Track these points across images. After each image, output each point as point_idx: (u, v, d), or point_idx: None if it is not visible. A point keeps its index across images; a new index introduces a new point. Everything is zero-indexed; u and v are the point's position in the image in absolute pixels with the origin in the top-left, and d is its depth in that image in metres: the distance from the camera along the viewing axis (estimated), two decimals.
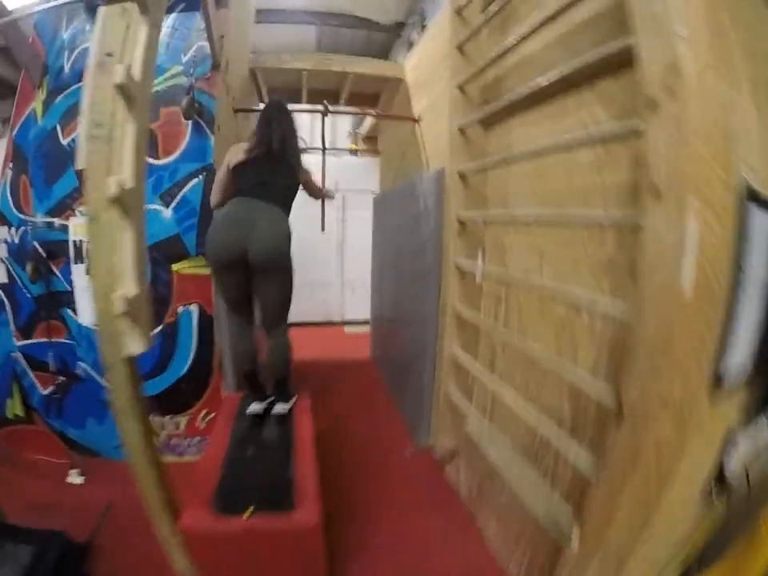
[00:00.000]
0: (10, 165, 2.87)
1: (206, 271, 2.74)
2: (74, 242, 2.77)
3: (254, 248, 2.14)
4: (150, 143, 2.70)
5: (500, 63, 2.15)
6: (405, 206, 3.39)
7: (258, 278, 2.24)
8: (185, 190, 2.78)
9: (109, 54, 1.38)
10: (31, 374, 2.89)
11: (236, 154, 2.36)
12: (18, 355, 2.88)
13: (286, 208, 2.37)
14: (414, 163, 3.39)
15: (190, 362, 2.83)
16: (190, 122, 2.75)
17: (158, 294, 2.78)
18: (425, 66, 3.28)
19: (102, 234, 1.35)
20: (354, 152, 7.24)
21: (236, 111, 3.26)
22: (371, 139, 6.48)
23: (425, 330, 2.95)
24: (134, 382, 1.45)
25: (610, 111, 1.49)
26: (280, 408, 2.45)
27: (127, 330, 1.37)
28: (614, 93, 1.47)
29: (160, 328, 2.80)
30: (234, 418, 2.46)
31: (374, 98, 4.75)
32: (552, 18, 1.65)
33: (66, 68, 2.89)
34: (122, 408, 1.46)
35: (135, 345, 1.39)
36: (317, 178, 2.74)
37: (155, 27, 1.47)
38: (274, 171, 2.32)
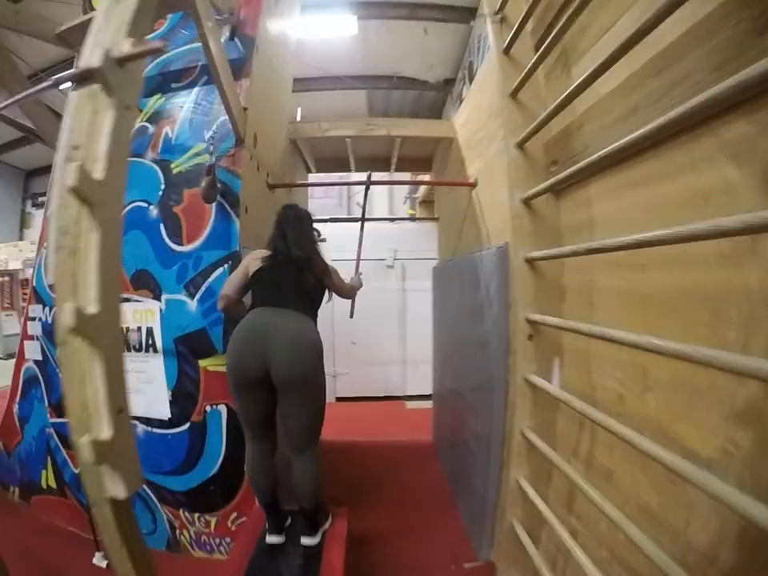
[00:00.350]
0: (45, 243, 2.82)
1: None
2: None
3: (276, 363, 1.89)
4: (173, 228, 2.58)
5: (568, 111, 1.71)
6: (464, 284, 2.95)
7: (283, 397, 1.97)
8: (209, 279, 2.50)
9: (75, 147, 1.11)
10: (64, 451, 2.83)
11: (254, 260, 2.22)
12: (52, 431, 2.86)
13: (312, 314, 2.17)
14: (472, 234, 2.95)
15: (219, 463, 2.55)
16: (213, 205, 2.51)
17: (185, 390, 2.54)
18: (475, 121, 2.90)
19: (71, 362, 1.04)
20: (412, 218, 6.96)
21: (271, 187, 3.00)
22: (428, 204, 6.19)
23: (486, 452, 2.42)
24: (122, 521, 1.11)
25: (745, 169, 0.99)
26: (307, 540, 2.14)
27: (107, 473, 1.04)
28: (753, 140, 0.97)
29: (188, 426, 2.56)
30: (258, 538, 2.19)
31: (427, 160, 4.46)
32: (635, 40, 1.19)
33: None
34: (111, 545, 1.14)
35: (118, 489, 1.05)
36: (343, 276, 2.50)
37: (126, 110, 1.17)
38: (295, 278, 2.16)
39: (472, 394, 2.81)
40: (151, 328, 2.61)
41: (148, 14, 1.28)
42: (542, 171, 2.02)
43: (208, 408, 2.53)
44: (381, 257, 6.29)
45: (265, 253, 2.24)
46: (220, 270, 2.48)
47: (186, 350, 2.54)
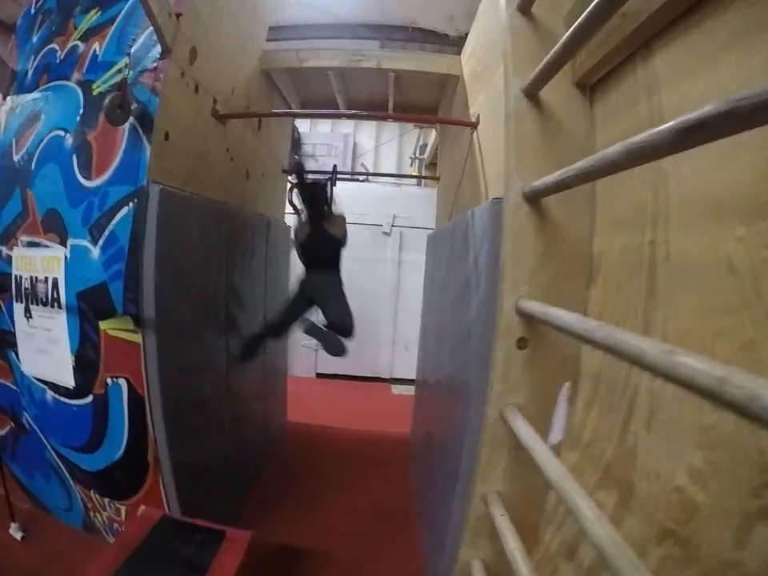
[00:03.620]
0: None
1: (136, 338, 1.97)
2: (16, 276, 2.28)
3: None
4: (85, 159, 2.06)
5: None
6: (453, 255, 2.34)
7: None
8: (113, 222, 1.94)
9: None
10: None
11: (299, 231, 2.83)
12: None
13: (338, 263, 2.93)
14: (469, 190, 2.33)
15: (123, 447, 2.17)
16: (125, 130, 1.95)
17: (87, 356, 2.12)
18: (481, 48, 2.26)
19: None
20: (418, 181, 6.33)
21: (220, 117, 2.42)
22: (435, 167, 5.54)
23: (455, 466, 1.84)
24: None
25: None
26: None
27: None
28: None
29: (91, 398, 2.17)
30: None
31: (432, 109, 3.81)
32: None
33: (30, 73, 2.43)
34: None
35: None
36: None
37: None
38: (324, 243, 2.81)
39: (447, 398, 2.26)
40: (56, 279, 2.13)
41: None
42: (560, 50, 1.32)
43: (109, 380, 2.10)
44: (377, 221, 5.68)
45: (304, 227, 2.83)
46: (124, 210, 1.92)
47: (87, 308, 2.06)
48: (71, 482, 2.42)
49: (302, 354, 5.80)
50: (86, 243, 2.01)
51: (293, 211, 5.13)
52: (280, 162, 3.80)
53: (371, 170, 6.57)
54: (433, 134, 5.57)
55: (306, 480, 3.29)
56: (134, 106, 1.94)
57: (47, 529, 2.53)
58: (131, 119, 1.95)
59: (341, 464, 3.57)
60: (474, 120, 2.23)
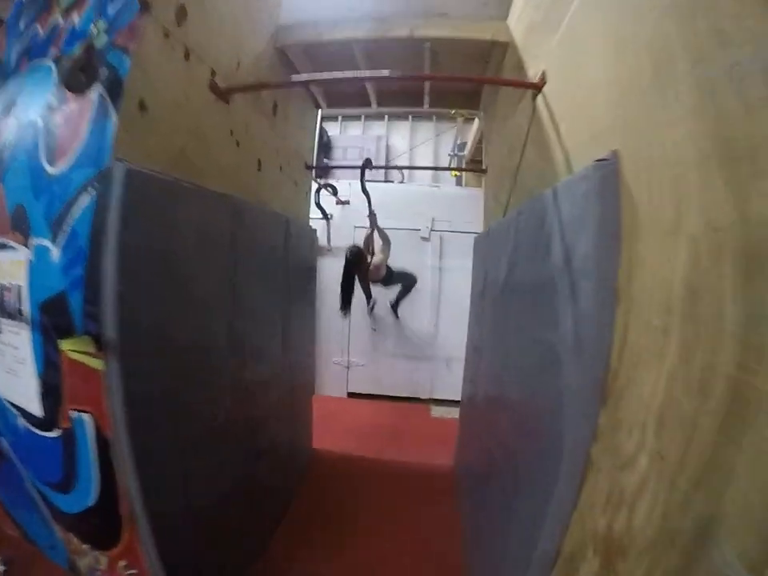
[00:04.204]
0: None
1: (98, 364, 1.48)
2: None
3: None
4: (51, 141, 1.65)
5: None
6: (520, 250, 1.82)
7: None
8: (74, 215, 1.52)
9: None
10: None
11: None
12: None
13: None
14: (535, 171, 1.81)
15: (94, 494, 1.71)
16: (94, 102, 1.53)
17: (52, 383, 1.68)
18: None
19: None
20: (458, 180, 5.83)
21: (221, 94, 1.99)
22: (477, 164, 5.02)
23: (540, 502, 1.30)
24: None
25: None
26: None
27: None
28: None
29: (59, 432, 1.71)
30: None
31: (473, 96, 3.33)
32: None
33: (12, 59, 2.09)
34: None
35: None
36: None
37: None
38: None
39: (520, 425, 1.70)
40: (20, 287, 1.73)
41: None
42: None
43: (73, 414, 1.64)
44: (415, 226, 5.16)
45: None
46: (85, 199, 1.48)
47: (49, 323, 1.62)
48: (51, 519, 2.04)
49: (333, 372, 5.35)
50: (47, 243, 1.59)
51: (321, 216, 4.81)
52: (303, 158, 3.37)
53: (407, 174, 6.12)
54: (473, 129, 5.07)
55: (334, 522, 2.82)
56: (104, 73, 1.54)
57: (33, 564, 2.22)
58: (100, 88, 1.53)
59: (375, 502, 3.08)
60: (537, 80, 1.71)
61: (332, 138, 6.50)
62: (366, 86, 3.15)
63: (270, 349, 2.63)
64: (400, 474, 3.49)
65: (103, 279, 1.43)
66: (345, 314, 3.34)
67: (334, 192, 4.69)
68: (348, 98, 3.50)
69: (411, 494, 3.19)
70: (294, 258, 2.93)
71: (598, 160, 1.06)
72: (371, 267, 3.32)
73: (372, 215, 3.33)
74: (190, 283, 1.81)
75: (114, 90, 1.50)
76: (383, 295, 4.61)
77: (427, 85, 3.07)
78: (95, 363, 1.49)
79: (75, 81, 1.47)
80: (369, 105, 3.41)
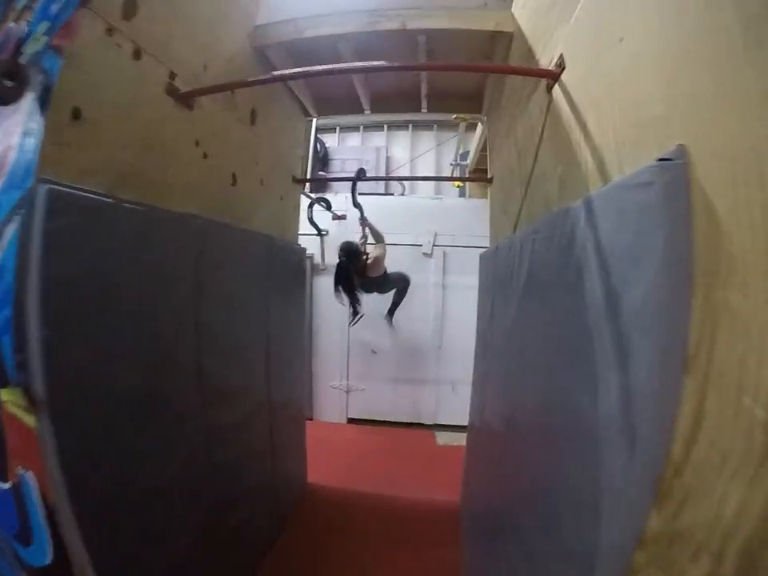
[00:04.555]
0: None
1: (31, 421, 1.19)
2: None
3: None
4: None
5: None
6: (534, 276, 1.50)
7: None
8: (1, 246, 1.23)
9: None
10: None
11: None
12: None
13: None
14: (554, 179, 1.44)
15: (48, 554, 1.43)
16: (28, 113, 1.25)
17: None
18: None
19: None
20: (461, 191, 5.55)
21: (181, 97, 1.71)
22: (481, 174, 4.72)
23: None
24: None
25: None
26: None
27: None
28: None
29: (9, 485, 1.42)
30: None
31: (474, 97, 3.04)
32: None
33: None
34: None
35: None
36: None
37: None
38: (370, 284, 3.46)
39: (541, 517, 1.35)
40: None
41: None
42: None
43: (20, 469, 1.35)
44: (416, 242, 4.85)
45: None
46: (10, 228, 1.19)
47: None
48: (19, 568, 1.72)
49: (332, 396, 5.02)
50: None
51: (315, 232, 4.52)
52: (290, 170, 3.08)
53: (408, 186, 5.85)
54: (476, 136, 4.78)
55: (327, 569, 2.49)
56: (38, 79, 1.26)
57: None
58: (32, 96, 1.25)
59: (375, 546, 2.74)
60: (552, 67, 1.41)
61: (329, 150, 6.25)
62: (357, 89, 2.86)
63: (250, 382, 2.32)
64: (398, 513, 3.15)
65: (27, 321, 1.14)
66: (354, 318, 3.43)
67: (328, 207, 4.40)
68: (339, 104, 3.21)
69: (413, 536, 2.85)
70: (278, 279, 2.62)
71: (660, 159, 0.74)
72: (370, 262, 3.19)
73: (364, 219, 3.28)
74: (140, 319, 1.50)
75: (45, 97, 1.22)
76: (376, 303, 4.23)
77: (425, 86, 2.78)
78: (28, 420, 1.20)
79: (3, 90, 1.18)
80: (362, 111, 3.12)
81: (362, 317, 3.46)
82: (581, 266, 1.01)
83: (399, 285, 3.93)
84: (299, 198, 3.25)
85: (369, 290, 3.46)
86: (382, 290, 3.68)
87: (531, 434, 1.40)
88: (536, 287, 1.45)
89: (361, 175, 3.01)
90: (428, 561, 2.61)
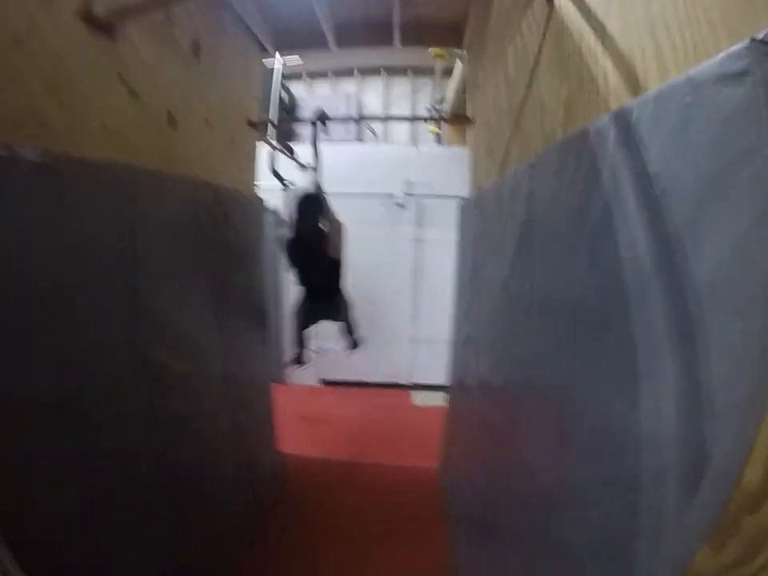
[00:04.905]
0: None
1: None
2: None
3: None
4: None
5: None
6: (541, 208, 1.21)
7: None
8: None
9: None
10: None
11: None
12: None
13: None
14: (556, 105, 1.16)
15: None
16: None
17: None
18: None
19: None
20: (437, 138, 5.23)
21: (101, 24, 1.35)
22: (459, 120, 4.38)
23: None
24: None
25: None
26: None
27: None
28: None
29: None
30: None
31: (454, 30, 2.70)
32: None
33: None
34: None
35: None
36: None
37: None
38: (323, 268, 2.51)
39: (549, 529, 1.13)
40: None
41: None
42: None
43: None
44: (389, 191, 4.56)
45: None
46: None
47: None
48: None
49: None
50: None
51: (279, 183, 4.14)
52: (245, 112, 2.71)
53: (380, 135, 5.49)
54: (453, 78, 4.42)
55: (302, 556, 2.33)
56: None
57: None
58: None
59: (351, 523, 2.59)
60: None
61: (297, 98, 5.79)
62: (319, 19, 2.49)
63: (204, 359, 2.05)
64: (379, 481, 3.02)
65: None
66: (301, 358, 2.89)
67: (291, 153, 4.02)
68: (300, 39, 2.83)
69: (392, 510, 2.71)
70: (230, 236, 2.32)
71: (756, 40, 0.48)
72: (334, 229, 2.48)
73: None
74: (52, 301, 1.19)
75: None
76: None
77: (397, 14, 2.42)
78: None
79: None
80: (326, 46, 2.74)
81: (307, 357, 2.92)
82: (610, 206, 0.75)
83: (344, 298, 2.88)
84: (254, 143, 2.88)
85: (318, 293, 2.68)
86: (333, 294, 2.74)
87: (538, 430, 1.18)
88: (537, 238, 1.20)
89: (322, 118, 2.65)
90: (412, 540, 2.47)
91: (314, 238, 2.40)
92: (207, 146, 2.19)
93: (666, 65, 0.68)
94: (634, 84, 0.76)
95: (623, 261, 0.71)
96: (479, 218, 2.10)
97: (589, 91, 0.93)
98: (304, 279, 2.60)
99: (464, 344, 2.48)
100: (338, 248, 2.55)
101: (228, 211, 2.29)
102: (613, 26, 0.85)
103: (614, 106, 0.82)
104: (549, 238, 1.11)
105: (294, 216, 2.46)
